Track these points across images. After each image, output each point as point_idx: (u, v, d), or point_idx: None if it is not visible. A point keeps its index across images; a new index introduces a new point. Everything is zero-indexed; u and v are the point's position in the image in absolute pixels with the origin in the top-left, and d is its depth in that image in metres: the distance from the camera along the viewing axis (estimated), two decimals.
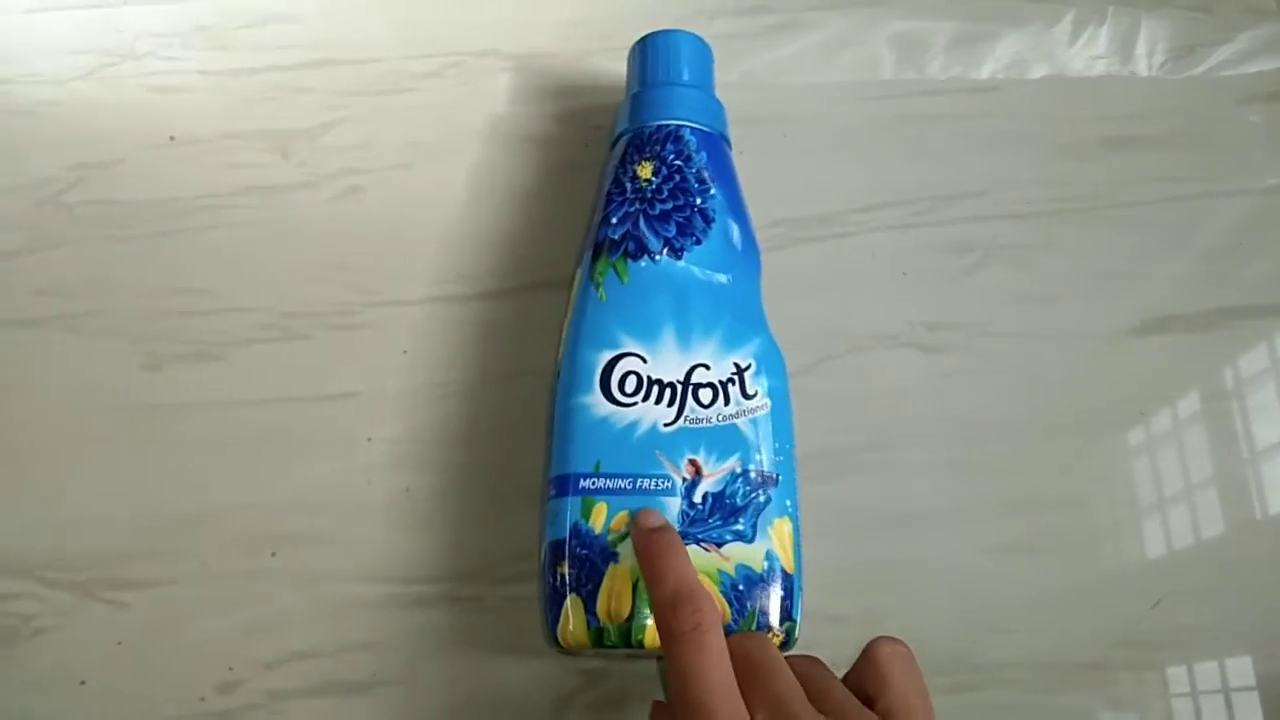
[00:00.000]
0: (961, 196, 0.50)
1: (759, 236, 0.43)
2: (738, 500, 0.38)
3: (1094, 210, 0.51)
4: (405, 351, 0.46)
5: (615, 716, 0.43)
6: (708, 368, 0.39)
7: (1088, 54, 0.53)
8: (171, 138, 0.49)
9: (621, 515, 0.37)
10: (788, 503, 0.39)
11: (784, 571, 0.38)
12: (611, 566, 0.37)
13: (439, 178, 0.49)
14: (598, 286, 0.40)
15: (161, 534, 0.44)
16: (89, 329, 0.46)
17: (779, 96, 0.52)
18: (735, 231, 0.42)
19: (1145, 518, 0.47)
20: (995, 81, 0.52)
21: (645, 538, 0.36)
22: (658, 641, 0.35)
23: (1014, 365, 0.48)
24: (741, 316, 0.41)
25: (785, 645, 0.37)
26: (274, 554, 0.44)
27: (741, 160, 0.45)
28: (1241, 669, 0.45)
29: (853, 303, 0.48)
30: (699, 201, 0.42)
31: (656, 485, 0.38)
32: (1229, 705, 0.44)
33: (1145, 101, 0.53)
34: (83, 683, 0.42)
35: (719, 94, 0.46)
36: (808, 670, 0.34)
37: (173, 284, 0.47)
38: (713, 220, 0.41)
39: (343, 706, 0.42)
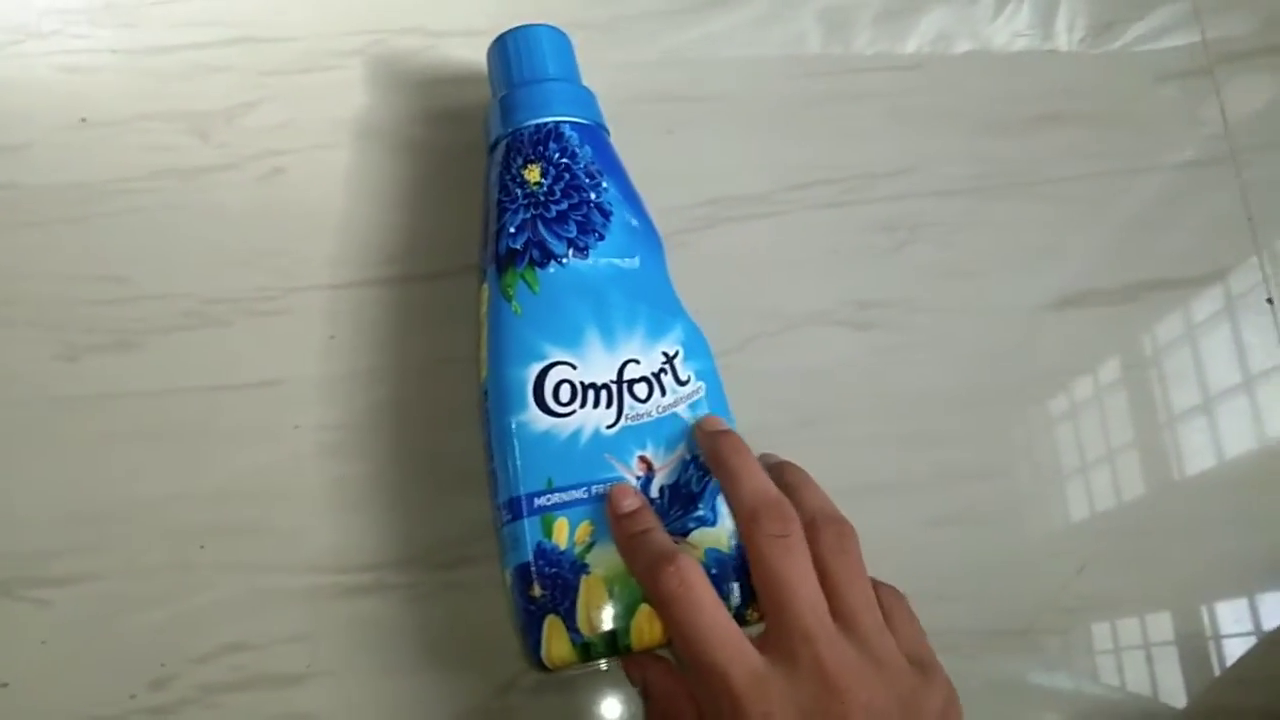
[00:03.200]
0: (889, 174, 0.50)
1: (689, 215, 0.43)
2: (693, 486, 0.38)
3: (1017, 186, 0.51)
4: (332, 337, 0.46)
5: (557, 699, 0.43)
6: (638, 362, 0.39)
7: (1010, 29, 0.54)
8: (83, 119, 0.48)
9: (585, 526, 0.37)
10: None
11: None
12: (584, 579, 0.36)
13: (364, 158, 0.48)
14: (510, 300, 0.39)
15: (84, 529, 0.43)
16: (1, 319, 0.45)
17: (707, 74, 0.51)
18: (634, 221, 0.41)
19: (1069, 484, 0.48)
20: (921, 57, 0.53)
21: (713, 441, 0.37)
22: (645, 641, 0.35)
23: (942, 340, 0.48)
24: (658, 304, 0.40)
25: (764, 619, 0.37)
26: (202, 546, 0.43)
27: (670, 139, 0.45)
28: (1161, 625, 0.46)
29: (784, 281, 0.48)
30: (593, 197, 0.41)
31: None
32: (1149, 660, 0.46)
33: (1066, 78, 0.54)
34: (4, 685, 0.41)
35: (646, 83, 0.45)
36: (890, 601, 0.37)
37: (88, 271, 0.46)
38: (610, 213, 0.41)
39: (279, 698, 0.42)
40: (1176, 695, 0.46)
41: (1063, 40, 0.54)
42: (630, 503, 0.37)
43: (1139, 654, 0.46)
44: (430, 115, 0.49)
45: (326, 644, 0.42)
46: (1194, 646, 0.46)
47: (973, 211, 0.51)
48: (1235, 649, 0.47)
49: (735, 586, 0.37)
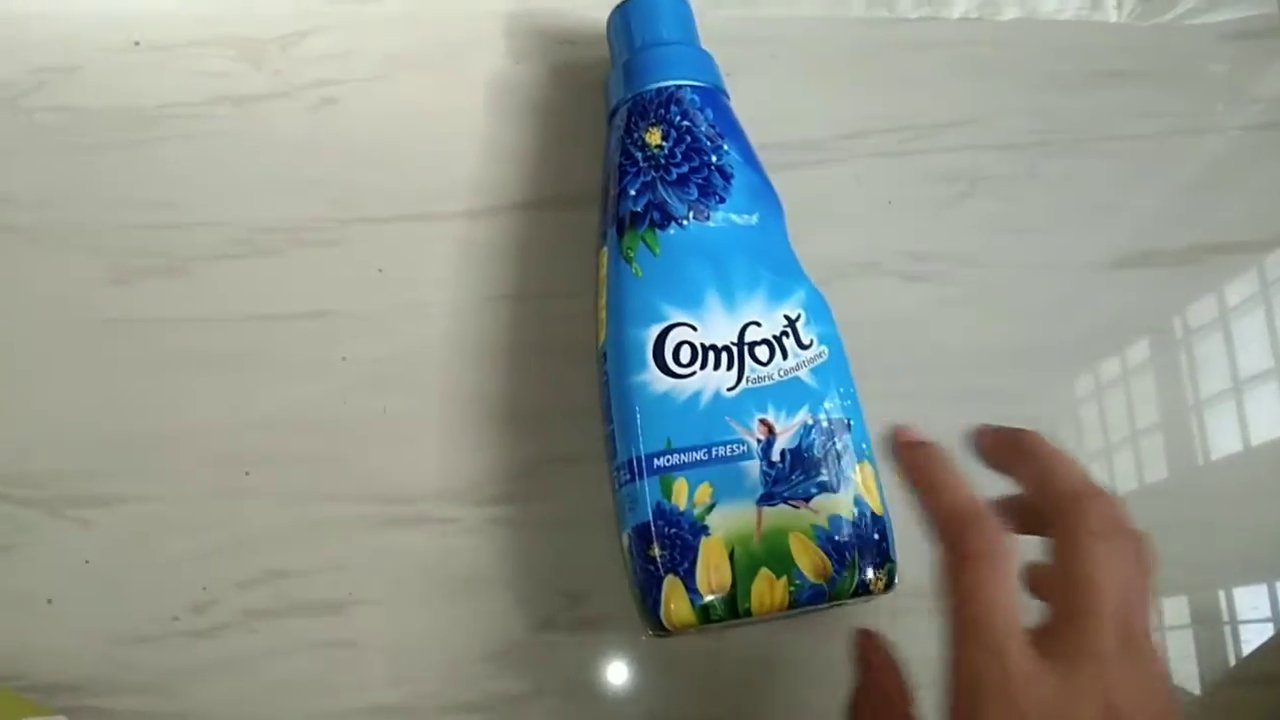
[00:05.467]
0: (948, 125, 0.49)
1: None
2: (815, 452, 0.38)
3: (1079, 143, 0.50)
4: (380, 270, 0.45)
5: (597, 636, 0.43)
6: (759, 325, 0.39)
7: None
8: (136, 43, 0.47)
9: (704, 488, 0.37)
10: (864, 445, 0.38)
11: (874, 514, 0.37)
12: (704, 540, 0.36)
13: (418, 91, 0.48)
14: (630, 261, 0.39)
15: (130, 452, 0.43)
16: (51, 241, 0.45)
17: (763, 18, 0.50)
18: (755, 184, 0.41)
19: (1119, 450, 0.47)
20: (967, 23, 0.51)
21: (907, 453, 0.34)
22: (765, 605, 0.35)
23: (996, 296, 0.47)
24: (779, 269, 0.40)
25: (889, 586, 0.37)
26: (247, 473, 0.43)
27: (725, 83, 0.44)
28: (1178, 609, 0.46)
29: (836, 230, 0.47)
30: (714, 159, 0.41)
31: (732, 451, 0.37)
32: (1164, 644, 0.45)
33: (1126, 38, 0.52)
34: (49, 601, 0.41)
35: (706, 25, 0.45)
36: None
37: (139, 196, 0.46)
38: (731, 176, 0.41)
39: (319, 625, 0.42)
40: (1190, 680, 0.45)
41: (1111, 12, 0.52)
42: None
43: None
44: (488, 48, 0.49)
45: (368, 574, 0.42)
46: (1210, 631, 0.45)
47: (1034, 166, 0.50)
48: (1252, 635, 0.46)
49: (859, 556, 0.36)
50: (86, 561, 0.42)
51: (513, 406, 0.44)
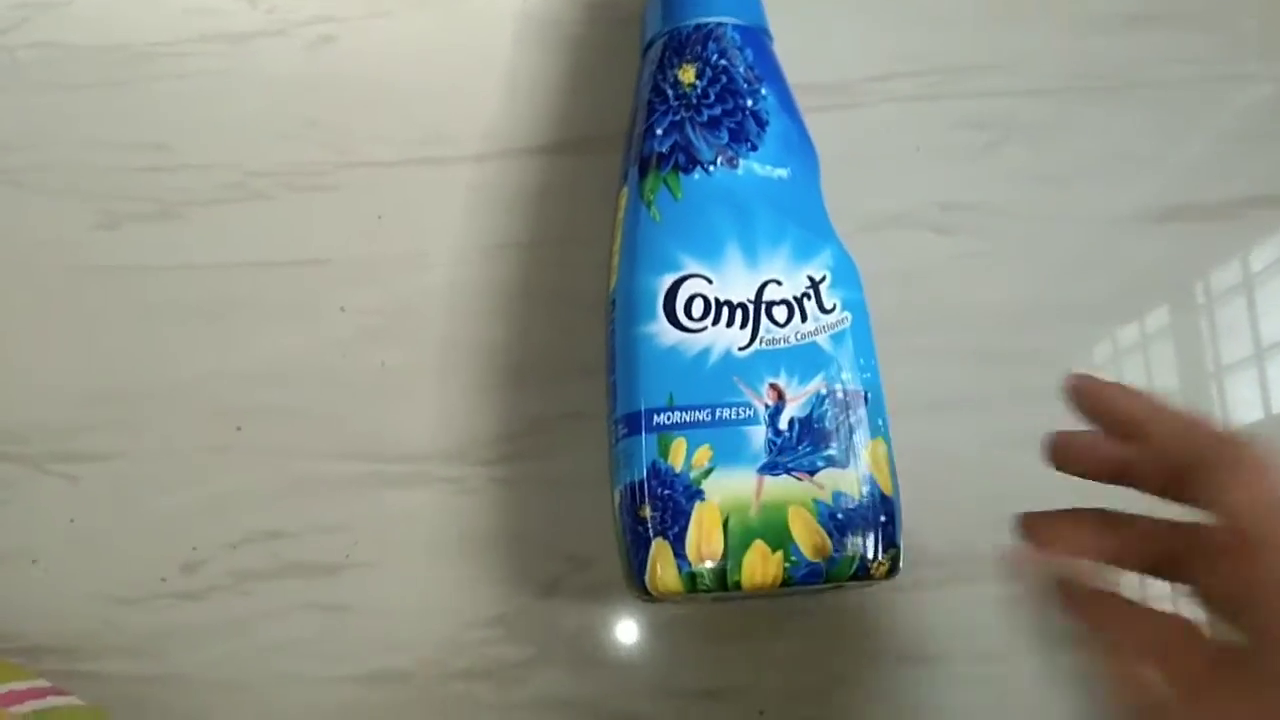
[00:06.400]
0: (980, 69, 0.47)
1: None
2: (826, 423, 0.36)
3: (1116, 89, 0.48)
4: (380, 217, 0.44)
5: (601, 604, 0.41)
6: (779, 283, 0.37)
7: None
8: None
9: (704, 450, 0.35)
10: (879, 422, 0.37)
11: (883, 495, 0.36)
12: (698, 505, 0.35)
13: (420, 28, 0.46)
14: (649, 205, 0.38)
15: (117, 405, 0.42)
16: (35, 184, 0.43)
17: None
18: (792, 133, 0.39)
19: None
20: None
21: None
22: (756, 580, 0.34)
23: (1029, 249, 0.45)
24: (808, 225, 0.38)
25: (891, 572, 0.36)
26: (239, 428, 0.42)
27: None
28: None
29: (862, 178, 0.45)
30: (750, 104, 0.39)
31: (737, 414, 0.36)
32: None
33: None
34: (34, 561, 0.40)
35: None
36: None
37: (129, 138, 0.44)
38: (766, 123, 0.39)
39: (314, 588, 0.41)
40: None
41: None
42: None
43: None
44: None
45: (364, 535, 0.41)
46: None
47: (1068, 113, 0.47)
48: None
49: (862, 537, 0.35)
50: (72, 520, 0.41)
51: (519, 360, 0.42)
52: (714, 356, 0.36)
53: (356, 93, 0.45)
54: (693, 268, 0.37)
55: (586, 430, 0.41)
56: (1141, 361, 0.45)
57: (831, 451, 0.36)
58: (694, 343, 0.36)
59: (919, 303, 0.44)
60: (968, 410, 0.43)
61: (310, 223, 0.43)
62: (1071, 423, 0.31)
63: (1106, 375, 0.31)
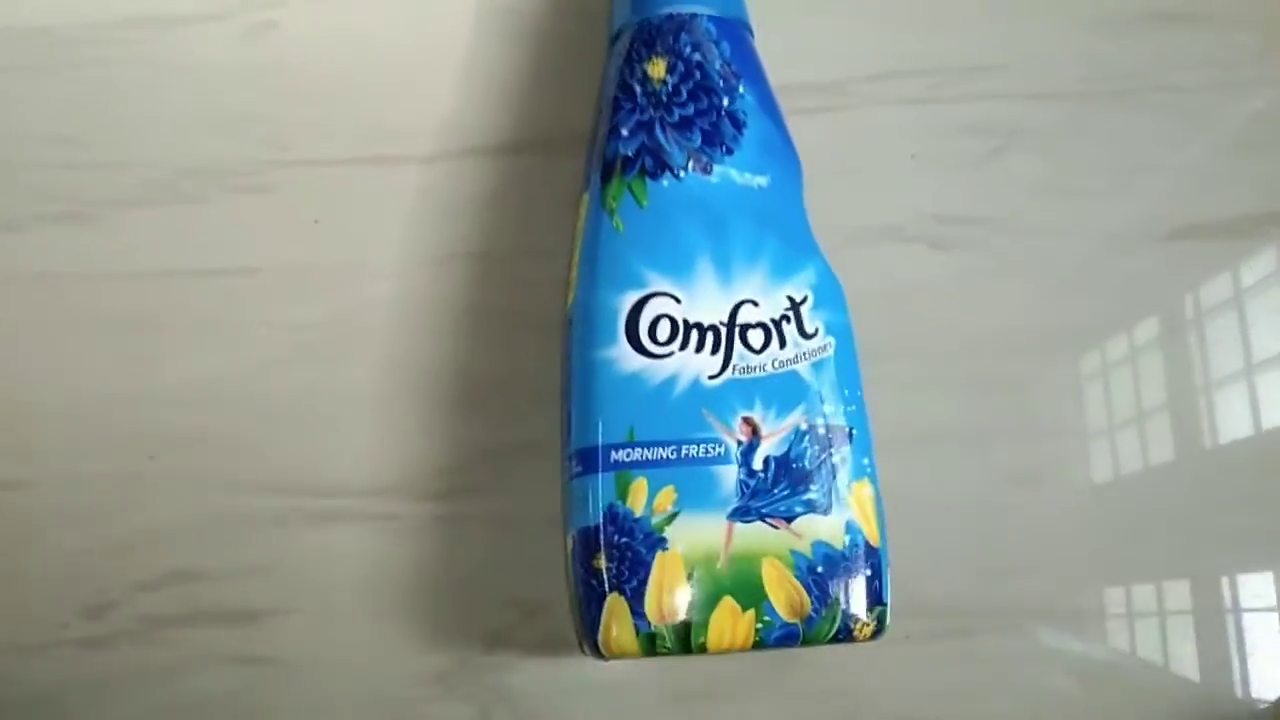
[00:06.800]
0: (983, 69, 0.44)
1: None
2: (806, 463, 0.33)
3: (1129, 93, 0.45)
4: (317, 221, 0.40)
5: (553, 658, 0.39)
6: (755, 304, 0.34)
7: None
8: None
9: (667, 492, 0.32)
10: (865, 461, 0.34)
11: (868, 545, 0.33)
12: (659, 555, 0.32)
13: (370, 15, 0.42)
14: (611, 214, 0.35)
15: (16, 428, 0.39)
16: None
17: None
18: (772, 137, 0.36)
19: (1158, 443, 0.42)
20: None
21: None
22: (725, 642, 0.31)
23: (1033, 266, 0.42)
24: (789, 239, 0.35)
25: (877, 633, 0.33)
26: (152, 457, 0.39)
27: None
28: (1179, 593, 0.42)
29: (852, 187, 0.42)
30: (726, 103, 0.36)
31: (706, 452, 0.33)
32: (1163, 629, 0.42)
33: None
34: None
35: None
36: None
37: (40, 130, 0.41)
38: (744, 124, 0.36)
39: (234, 637, 0.38)
40: (1189, 666, 0.41)
41: None
42: None
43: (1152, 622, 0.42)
44: None
45: (290, 579, 0.38)
46: (1212, 619, 0.41)
47: (1077, 119, 0.44)
48: (1254, 623, 0.42)
49: (845, 594, 0.32)
50: None
51: (468, 384, 0.39)
52: (680, 385, 0.33)
53: (298, 84, 0.42)
54: (658, 285, 0.34)
55: (542, 464, 0.38)
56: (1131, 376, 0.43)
57: (812, 495, 0.33)
58: (658, 369, 0.33)
59: (909, 326, 0.41)
60: (962, 445, 0.41)
61: (239, 227, 0.40)
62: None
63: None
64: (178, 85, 0.41)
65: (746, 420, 0.33)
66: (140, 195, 0.40)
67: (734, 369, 0.33)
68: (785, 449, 0.33)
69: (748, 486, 0.33)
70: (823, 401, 0.34)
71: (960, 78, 0.44)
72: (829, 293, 0.35)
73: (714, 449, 0.33)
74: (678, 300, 0.34)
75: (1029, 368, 0.42)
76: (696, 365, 0.33)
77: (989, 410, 0.41)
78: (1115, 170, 0.44)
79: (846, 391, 0.34)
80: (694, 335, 0.33)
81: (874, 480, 0.34)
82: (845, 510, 0.33)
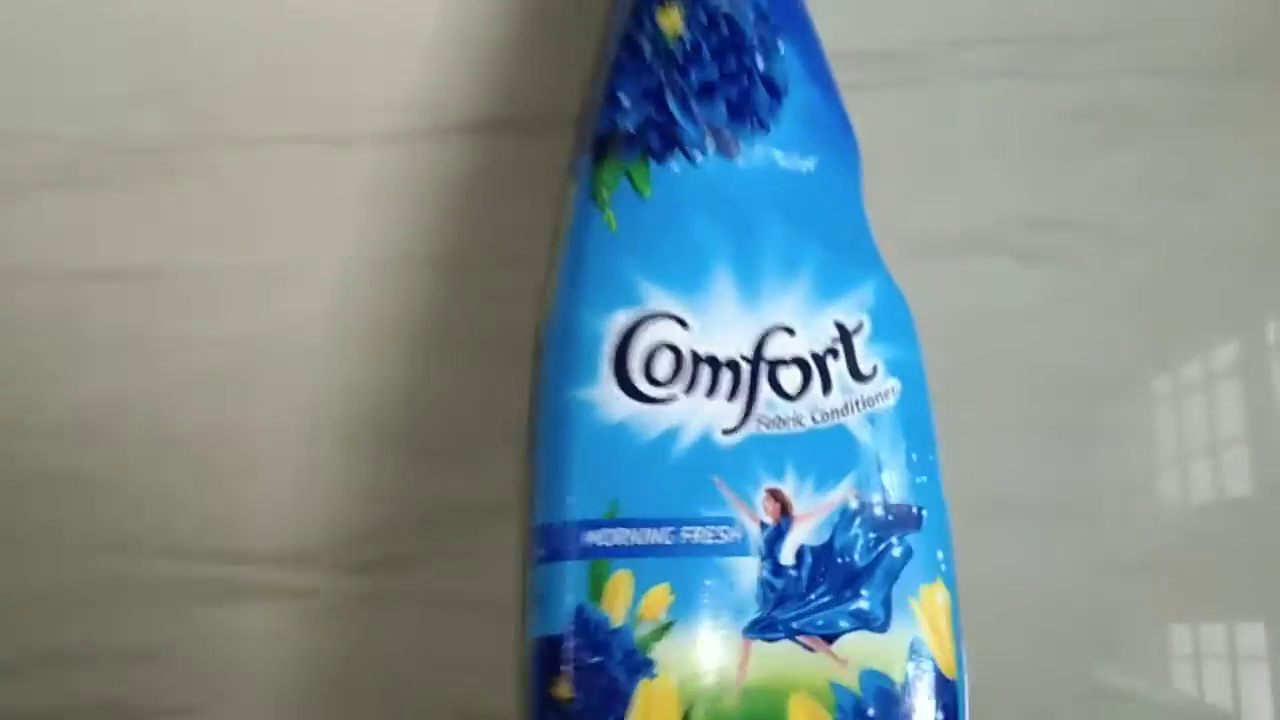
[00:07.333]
0: (1094, 39, 0.39)
1: None
2: (856, 556, 0.28)
3: (1271, 70, 0.39)
4: (245, 213, 0.35)
5: None
6: (791, 332, 0.29)
7: None
8: None
9: (659, 592, 0.27)
10: (939, 555, 0.28)
11: (940, 676, 0.28)
12: (644, 684, 0.26)
13: None
14: (603, 207, 0.30)
15: None
16: None
17: None
18: (820, 108, 0.31)
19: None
20: None
21: None
22: None
23: (1143, 286, 0.37)
24: (839, 245, 0.30)
25: None
26: (21, 505, 0.33)
27: None
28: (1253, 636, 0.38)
29: (924, 182, 0.37)
30: (760, 64, 0.31)
31: (715, 537, 0.27)
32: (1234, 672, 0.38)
33: None
34: None
35: None
36: None
37: None
38: (784, 93, 0.31)
39: None
40: (1261, 712, 0.37)
41: None
42: None
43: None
44: None
45: (184, 668, 0.33)
46: None
47: (1205, 102, 0.39)
48: None
49: None
50: None
51: (415, 426, 0.34)
52: (684, 442, 0.28)
53: (230, 48, 0.37)
54: (659, 303, 0.28)
55: (501, 529, 0.32)
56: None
57: (863, 603, 0.27)
58: (655, 418, 0.28)
59: (988, 359, 0.36)
60: (1061, 516, 0.36)
61: (149, 218, 0.35)
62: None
63: None
64: (83, 48, 0.36)
65: (773, 494, 0.28)
66: (31, 178, 0.35)
67: (758, 422, 0.28)
68: (827, 536, 0.27)
69: (773, 589, 0.27)
70: (881, 470, 0.28)
71: (1064, 49, 0.39)
72: (894, 317, 0.30)
73: (726, 533, 0.27)
74: (684, 324, 0.28)
75: (1135, 412, 0.37)
76: (706, 415, 0.28)
77: (1087, 466, 0.36)
78: (1250, 165, 0.39)
79: (915, 456, 0.29)
80: (704, 373, 0.28)
81: (950, 582, 0.28)
82: (909, 625, 0.27)
